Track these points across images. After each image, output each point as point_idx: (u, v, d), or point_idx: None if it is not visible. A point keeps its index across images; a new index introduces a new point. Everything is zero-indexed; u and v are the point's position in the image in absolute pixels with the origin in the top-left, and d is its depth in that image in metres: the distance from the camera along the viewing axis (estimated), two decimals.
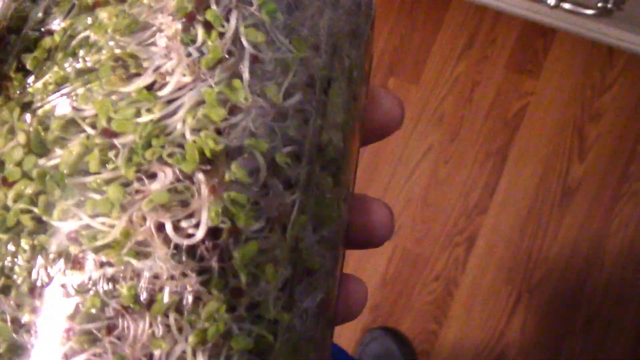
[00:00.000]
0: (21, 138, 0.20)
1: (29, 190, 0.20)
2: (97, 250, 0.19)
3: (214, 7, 0.20)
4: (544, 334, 1.07)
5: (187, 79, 0.20)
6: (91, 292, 0.19)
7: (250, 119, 0.20)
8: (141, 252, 0.19)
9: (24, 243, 0.19)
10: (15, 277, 0.19)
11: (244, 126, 0.20)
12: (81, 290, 0.19)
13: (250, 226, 0.19)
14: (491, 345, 1.07)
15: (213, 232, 0.19)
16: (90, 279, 0.19)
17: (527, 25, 1.15)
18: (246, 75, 0.20)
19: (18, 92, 0.21)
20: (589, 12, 0.91)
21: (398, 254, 1.13)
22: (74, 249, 0.19)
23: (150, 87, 0.20)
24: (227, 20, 0.20)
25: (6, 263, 0.19)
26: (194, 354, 0.19)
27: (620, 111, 1.12)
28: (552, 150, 1.12)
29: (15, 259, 0.19)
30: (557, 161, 1.12)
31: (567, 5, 0.92)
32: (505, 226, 1.10)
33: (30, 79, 0.21)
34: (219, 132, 0.20)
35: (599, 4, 0.90)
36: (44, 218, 0.19)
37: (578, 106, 1.13)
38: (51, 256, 0.19)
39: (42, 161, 0.20)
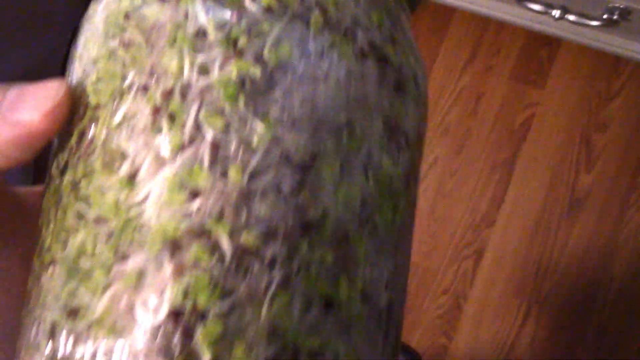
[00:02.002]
0: (52, 226, 0.23)
1: (55, 272, 0.22)
2: (88, 327, 0.21)
3: (177, 99, 0.21)
4: (555, 346, 1.06)
5: (155, 167, 0.21)
6: None
7: (212, 202, 0.20)
8: (117, 329, 0.20)
9: (47, 319, 0.22)
10: (40, 348, 0.22)
11: (205, 209, 0.20)
12: None
13: (214, 306, 0.20)
14: (502, 357, 1.06)
15: (176, 312, 0.20)
16: (82, 354, 0.21)
17: (532, 35, 1.15)
18: (206, 160, 0.21)
19: (54, 187, 0.23)
20: (594, 23, 0.90)
21: None
22: (73, 327, 0.21)
23: (133, 177, 0.21)
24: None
25: (38, 339, 0.22)
26: None
27: (627, 120, 1.12)
28: (559, 160, 1.11)
29: (42, 335, 0.22)
30: (564, 171, 1.11)
31: (572, 17, 0.92)
32: (513, 238, 1.09)
33: (64, 177, 0.23)
34: (183, 216, 0.21)
35: (605, 16, 0.89)
36: (60, 297, 0.22)
37: (584, 116, 1.12)
38: (59, 331, 0.21)
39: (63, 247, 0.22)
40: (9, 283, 0.26)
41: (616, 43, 0.99)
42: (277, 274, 0.20)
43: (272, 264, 0.20)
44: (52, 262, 0.22)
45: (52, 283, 0.22)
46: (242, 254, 0.20)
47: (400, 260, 0.24)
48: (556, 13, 0.92)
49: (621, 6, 0.87)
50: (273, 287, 0.20)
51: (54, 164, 0.24)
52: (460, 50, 1.16)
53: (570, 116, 1.12)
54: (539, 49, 1.15)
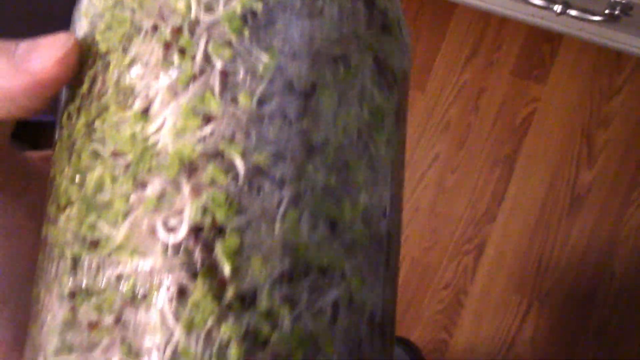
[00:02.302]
0: (67, 171, 0.25)
1: (72, 212, 0.23)
2: (110, 254, 0.22)
3: (186, 35, 0.23)
4: (555, 342, 1.06)
5: (168, 98, 0.23)
6: (107, 291, 0.22)
7: (224, 126, 0.22)
8: (140, 252, 0.22)
9: (67, 255, 0.23)
10: (62, 284, 0.23)
11: (218, 132, 0.22)
12: (100, 291, 0.22)
13: (231, 221, 0.22)
14: (502, 354, 1.06)
15: (196, 228, 0.22)
16: (105, 280, 0.22)
17: (533, 31, 1.14)
18: (217, 87, 0.23)
19: (67, 135, 0.25)
20: (596, 18, 0.90)
21: (407, 263, 1.12)
22: (95, 256, 0.23)
23: (146, 111, 0.23)
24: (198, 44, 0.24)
25: (59, 274, 0.23)
26: (187, 341, 0.21)
27: (629, 116, 1.11)
28: (561, 156, 1.11)
29: (63, 269, 0.23)
30: (565, 168, 1.10)
31: (573, 12, 0.91)
32: (514, 234, 1.09)
33: (76, 123, 0.25)
34: (198, 140, 0.22)
35: (606, 11, 0.88)
36: (79, 233, 0.23)
37: (586, 112, 1.12)
38: (81, 263, 0.23)
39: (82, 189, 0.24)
40: (18, 241, 0.27)
41: (618, 39, 0.99)
42: (287, 193, 0.22)
43: (281, 183, 0.22)
44: (69, 203, 0.24)
45: (70, 223, 0.23)
46: (254, 173, 0.22)
47: (396, 193, 0.26)
48: (558, 8, 0.91)
49: (623, 1, 0.86)
50: (284, 205, 0.22)
51: (64, 116, 0.26)
52: (461, 45, 1.16)
53: (572, 112, 1.12)
54: (541, 45, 1.15)
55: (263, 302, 0.21)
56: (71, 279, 0.23)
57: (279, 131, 0.23)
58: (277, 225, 0.22)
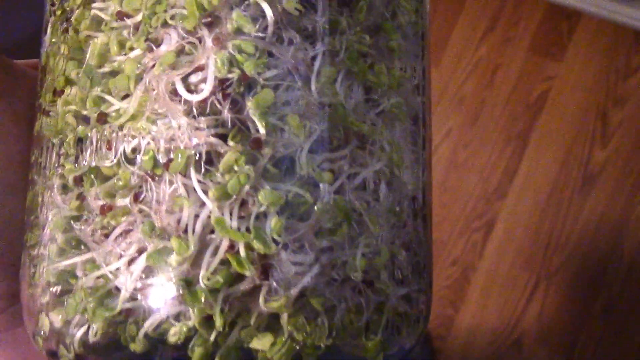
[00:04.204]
0: (63, 49, 0.22)
1: (72, 92, 0.21)
2: (121, 126, 0.20)
3: None
4: (562, 320, 1.06)
5: None
6: (122, 168, 0.19)
7: None
8: (158, 117, 0.19)
9: (69, 139, 0.21)
10: (65, 171, 0.21)
11: None
12: (113, 169, 0.19)
13: (263, 74, 0.19)
14: (508, 331, 1.06)
15: (223, 84, 0.19)
16: (118, 154, 0.20)
17: (551, 8, 1.13)
18: None
19: (60, 12, 0.23)
20: None
21: None
22: (103, 130, 0.20)
23: None
24: None
25: (60, 162, 0.21)
26: (221, 213, 0.18)
27: None
28: (574, 135, 1.10)
29: (64, 155, 0.21)
30: (579, 146, 1.10)
31: None
32: (524, 211, 1.09)
33: None
34: None
35: None
36: (82, 112, 0.20)
37: (602, 90, 1.11)
38: (87, 143, 0.20)
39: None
40: (3, 146, 0.25)
41: (637, 17, 0.98)
42: (321, 48, 0.20)
43: (314, 36, 0.20)
44: (67, 84, 0.21)
45: (70, 104, 0.21)
46: (284, 20, 0.20)
47: (426, 68, 0.24)
48: None
49: None
50: (319, 60, 0.20)
51: (57, 4, 0.23)
52: (479, 20, 1.15)
53: (588, 91, 1.11)
54: (559, 22, 1.14)
55: (302, 167, 0.19)
56: (76, 163, 0.20)
57: None
58: (313, 82, 0.20)
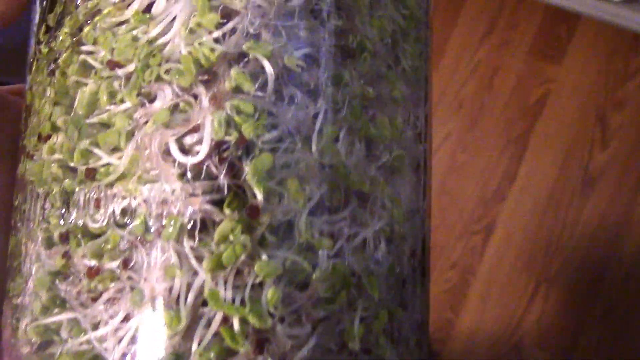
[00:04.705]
0: (49, 91, 0.20)
1: (59, 140, 0.20)
2: (111, 185, 0.18)
3: None
4: (562, 323, 1.06)
5: None
6: (110, 229, 0.18)
7: (248, 21, 0.19)
8: (150, 178, 0.18)
9: (55, 192, 0.19)
10: (50, 226, 0.19)
11: (241, 29, 0.19)
12: (102, 229, 0.18)
13: (262, 136, 0.18)
14: (507, 334, 1.06)
15: (220, 146, 0.18)
16: (107, 215, 0.18)
17: (550, 10, 1.13)
18: None
19: (46, 49, 0.21)
20: None
21: None
22: (91, 187, 0.19)
23: (148, 9, 0.19)
24: None
25: (45, 215, 0.20)
26: (215, 284, 0.17)
27: None
28: (574, 138, 1.10)
29: (50, 208, 0.20)
30: (578, 149, 1.10)
31: None
32: (524, 215, 1.09)
33: (58, 34, 0.21)
34: (217, 40, 0.19)
35: None
36: (69, 163, 0.19)
37: (601, 94, 1.11)
38: (75, 198, 0.19)
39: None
40: None
41: (637, 20, 0.97)
42: (323, 105, 0.19)
43: (317, 92, 0.19)
44: (53, 130, 0.20)
45: (56, 153, 0.20)
46: (286, 80, 0.19)
47: (428, 114, 0.23)
48: None
49: None
50: (320, 118, 0.19)
51: (42, 28, 0.22)
52: (477, 23, 1.15)
53: (587, 94, 1.11)
54: (558, 25, 1.14)
55: (301, 234, 0.18)
56: (62, 219, 0.19)
57: (311, 29, 0.19)
58: (314, 142, 0.18)
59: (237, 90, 0.18)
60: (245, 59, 0.19)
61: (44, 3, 0.22)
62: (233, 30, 0.19)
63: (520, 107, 1.12)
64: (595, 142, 1.10)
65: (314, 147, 0.19)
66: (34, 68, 0.22)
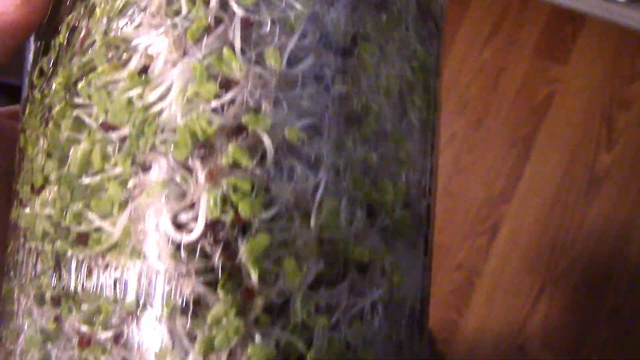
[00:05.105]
0: (43, 142, 0.20)
1: (51, 196, 0.19)
2: (103, 254, 0.18)
3: None
4: (568, 324, 1.05)
5: (175, 55, 0.18)
6: (101, 299, 0.18)
7: (247, 92, 0.18)
8: (143, 252, 0.17)
9: (47, 249, 0.19)
10: (42, 286, 0.19)
11: (240, 101, 0.18)
12: (93, 298, 0.18)
13: (259, 215, 0.17)
14: (513, 335, 1.06)
15: (215, 225, 0.17)
16: (99, 284, 0.18)
17: (556, 11, 1.13)
18: (237, 42, 0.18)
19: (40, 96, 0.20)
20: None
21: None
22: (84, 252, 0.18)
23: (145, 70, 0.18)
24: None
25: (37, 272, 0.19)
26: None
27: None
28: (580, 138, 1.10)
29: (42, 266, 0.19)
30: (584, 150, 1.09)
31: None
32: (529, 215, 1.08)
33: (52, 82, 0.20)
34: (215, 111, 0.18)
35: None
36: (62, 222, 0.19)
37: (607, 94, 1.11)
38: (66, 260, 0.18)
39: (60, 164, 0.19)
40: None
41: None
42: (324, 175, 0.18)
43: (317, 163, 0.18)
44: (47, 184, 0.19)
45: (49, 209, 0.19)
46: (285, 153, 0.18)
47: (434, 158, 0.22)
48: None
49: None
50: (320, 191, 0.18)
51: (36, 71, 0.20)
52: (482, 24, 1.15)
53: (592, 94, 1.11)
54: (563, 25, 1.13)
55: (297, 313, 0.17)
56: (54, 280, 0.19)
57: (315, 97, 0.18)
58: (313, 217, 0.18)
59: (235, 165, 0.18)
60: (245, 132, 0.18)
61: (39, 44, 0.21)
62: (232, 101, 0.18)
63: (525, 108, 1.11)
64: (601, 142, 1.09)
65: (312, 223, 0.18)
66: (27, 110, 0.21)
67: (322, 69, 0.19)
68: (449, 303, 1.08)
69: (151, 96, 0.18)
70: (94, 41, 0.19)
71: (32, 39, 0.21)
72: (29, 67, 0.21)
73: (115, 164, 0.18)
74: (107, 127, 0.18)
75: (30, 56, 0.21)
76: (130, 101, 0.18)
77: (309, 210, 0.18)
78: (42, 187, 0.19)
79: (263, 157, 0.18)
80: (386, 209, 0.19)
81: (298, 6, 0.18)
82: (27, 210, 0.20)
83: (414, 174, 0.20)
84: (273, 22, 0.18)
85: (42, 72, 0.20)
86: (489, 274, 1.08)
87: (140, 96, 0.18)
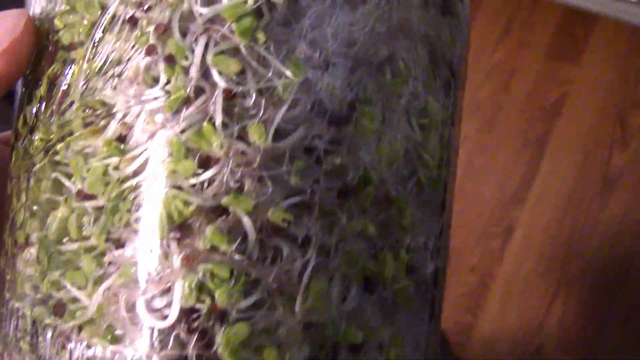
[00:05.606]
0: (24, 199, 0.19)
1: (31, 257, 0.18)
2: (78, 328, 0.17)
3: (176, 35, 0.17)
4: (583, 326, 1.04)
5: (152, 127, 0.17)
6: None
7: (228, 170, 0.16)
8: (117, 332, 0.16)
9: (27, 313, 0.18)
10: (23, 351, 0.18)
11: (220, 180, 0.16)
12: None
13: (238, 304, 0.16)
14: (528, 338, 1.05)
15: (190, 313, 0.16)
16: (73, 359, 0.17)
17: (567, 11, 1.12)
18: (219, 116, 0.16)
19: (23, 148, 0.19)
20: None
21: None
22: (61, 323, 0.17)
23: (122, 139, 0.17)
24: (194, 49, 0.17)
25: (18, 336, 0.18)
26: None
27: None
28: (593, 139, 1.09)
29: (22, 331, 0.18)
30: (597, 150, 1.09)
31: None
32: (543, 217, 1.08)
33: (34, 136, 0.19)
34: (193, 190, 0.16)
35: None
36: (41, 287, 0.18)
37: (620, 94, 1.10)
38: (43, 328, 0.18)
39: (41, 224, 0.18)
40: None
41: None
42: (313, 256, 0.17)
43: (305, 244, 0.17)
44: (28, 242, 0.18)
45: (30, 269, 0.18)
46: (269, 236, 0.16)
47: (446, 217, 0.20)
48: None
49: None
50: (308, 272, 0.16)
51: (20, 119, 0.20)
52: (493, 25, 1.15)
53: (606, 94, 1.10)
54: (575, 26, 1.13)
55: None
56: (31, 347, 0.18)
57: (304, 174, 0.17)
58: (299, 301, 0.16)
59: (213, 249, 0.16)
60: (225, 213, 0.16)
61: (24, 89, 0.20)
62: (211, 180, 0.17)
63: (538, 109, 1.11)
64: (614, 143, 1.09)
65: (297, 307, 0.16)
66: (13, 158, 0.20)
67: (313, 141, 0.17)
68: (463, 306, 1.07)
69: (128, 169, 0.17)
70: (72, 101, 0.18)
71: (20, 82, 0.20)
72: (15, 112, 0.20)
73: (91, 236, 0.17)
74: (83, 196, 0.17)
75: (17, 101, 0.20)
76: (106, 171, 0.17)
77: (294, 294, 0.17)
78: (24, 246, 0.19)
79: (245, 239, 0.16)
80: (385, 280, 0.17)
81: (288, 73, 0.17)
82: (11, 263, 0.19)
83: (421, 237, 0.19)
84: (259, 93, 0.17)
85: (25, 121, 0.19)
86: (503, 277, 1.07)
87: (117, 167, 0.17)
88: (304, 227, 0.16)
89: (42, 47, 0.19)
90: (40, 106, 0.19)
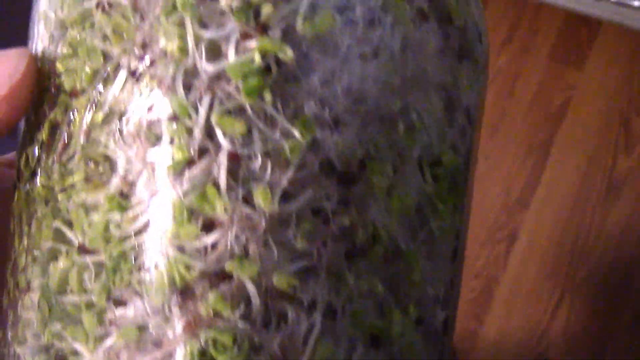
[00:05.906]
0: (26, 242, 0.18)
1: (33, 304, 0.18)
2: None
3: (180, 93, 0.16)
4: (588, 332, 1.04)
5: (154, 187, 0.16)
6: None
7: (232, 235, 0.16)
8: None
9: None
10: None
11: (224, 245, 0.16)
12: None
13: None
14: (533, 343, 1.05)
15: None
16: None
17: (571, 16, 1.12)
18: (223, 179, 0.16)
19: (25, 191, 0.19)
20: (637, 3, 0.88)
21: None
22: None
23: (124, 195, 0.17)
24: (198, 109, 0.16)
25: None
26: None
27: None
28: (597, 144, 1.09)
29: None
30: (602, 155, 1.08)
31: None
32: (548, 222, 1.08)
33: (36, 180, 0.18)
34: (196, 254, 0.16)
35: None
36: (42, 337, 0.17)
37: (624, 98, 1.10)
38: None
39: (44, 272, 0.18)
40: None
41: None
42: (319, 319, 0.16)
43: (311, 307, 0.16)
44: (29, 288, 0.18)
45: (31, 316, 0.18)
46: (274, 301, 0.16)
47: (457, 265, 0.20)
48: None
49: None
50: (314, 335, 0.16)
51: (22, 158, 0.19)
52: (496, 30, 1.14)
53: (610, 99, 1.10)
54: (578, 31, 1.13)
55: None
56: None
57: (311, 235, 0.16)
58: None
59: (216, 315, 0.16)
60: (228, 279, 0.16)
61: (26, 128, 0.19)
62: (215, 245, 0.16)
63: (542, 114, 1.11)
64: (619, 148, 1.08)
65: None
66: (16, 197, 0.20)
67: (321, 202, 0.16)
68: (468, 312, 1.07)
69: (129, 229, 0.16)
70: (74, 152, 0.17)
71: (23, 120, 0.20)
72: (18, 147, 0.20)
73: (92, 294, 0.17)
74: (84, 250, 0.17)
75: (20, 138, 0.20)
76: (107, 227, 0.17)
77: (301, 358, 0.16)
78: (26, 290, 0.18)
79: (249, 304, 0.16)
80: (393, 337, 0.17)
81: (296, 134, 0.16)
82: (13, 305, 0.19)
83: (431, 289, 0.18)
84: (266, 154, 0.16)
85: (27, 162, 0.19)
86: (508, 282, 1.07)
87: (118, 225, 0.17)
88: (310, 291, 0.16)
89: (44, 88, 0.18)
90: (41, 151, 0.18)
